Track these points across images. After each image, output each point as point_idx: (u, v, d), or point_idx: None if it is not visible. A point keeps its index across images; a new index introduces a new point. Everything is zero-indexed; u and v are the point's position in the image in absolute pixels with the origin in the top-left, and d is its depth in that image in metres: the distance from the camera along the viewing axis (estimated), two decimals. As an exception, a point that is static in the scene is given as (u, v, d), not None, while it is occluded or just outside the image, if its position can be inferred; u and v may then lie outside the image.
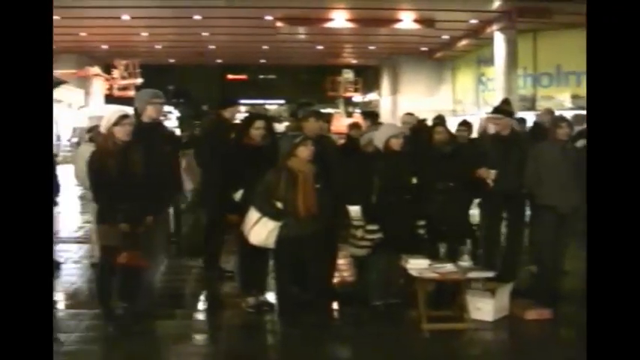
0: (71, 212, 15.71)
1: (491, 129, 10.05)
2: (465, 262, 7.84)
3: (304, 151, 7.53)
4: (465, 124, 11.34)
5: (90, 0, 25.91)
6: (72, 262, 11.21)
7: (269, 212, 7.53)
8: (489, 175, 8.88)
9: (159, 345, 7.56)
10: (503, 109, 9.69)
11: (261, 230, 7.58)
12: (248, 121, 8.54)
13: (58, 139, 26.47)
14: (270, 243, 7.59)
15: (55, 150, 11.48)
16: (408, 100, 39.69)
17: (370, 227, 8.01)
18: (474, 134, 12.15)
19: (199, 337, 7.80)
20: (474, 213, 9.83)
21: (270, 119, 9.05)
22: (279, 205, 7.48)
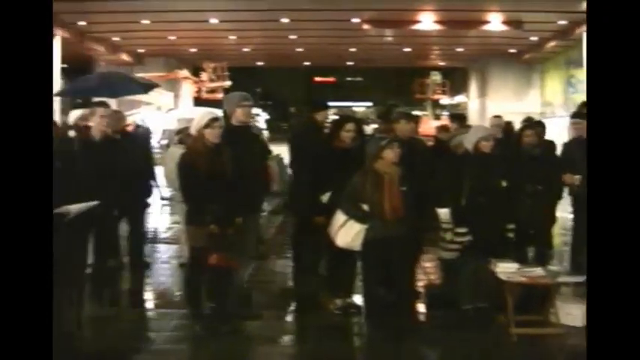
0: (162, 213, 15.92)
1: (573, 133, 9.87)
2: (554, 266, 7.73)
3: (390, 154, 7.49)
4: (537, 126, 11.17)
5: (179, 4, 26.25)
6: (161, 263, 11.35)
7: (355, 215, 7.51)
8: (574, 180, 8.76)
9: (246, 345, 7.60)
10: (583, 112, 9.51)
11: (347, 232, 7.57)
12: (338, 124, 8.54)
13: (148, 140, 26.74)
14: (357, 245, 7.57)
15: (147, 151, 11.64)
16: (496, 102, 39.27)
17: (459, 230, 7.93)
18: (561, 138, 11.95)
19: (286, 339, 7.83)
20: (564, 216, 9.68)
21: (359, 122, 9.03)
22: (366, 207, 7.46)
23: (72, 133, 8.80)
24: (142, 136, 17.01)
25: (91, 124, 8.62)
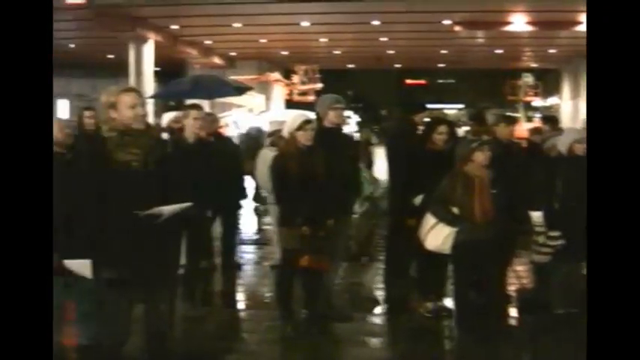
0: (253, 214, 16.05)
1: None
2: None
3: (481, 156, 7.42)
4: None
5: (271, 7, 26.44)
6: (252, 264, 11.45)
7: (445, 217, 7.46)
8: None
9: (336, 347, 7.62)
10: None
11: (437, 235, 7.53)
12: (431, 126, 8.51)
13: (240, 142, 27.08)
14: (446, 249, 7.52)
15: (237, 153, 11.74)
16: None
17: (552, 233, 7.81)
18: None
19: (376, 341, 7.80)
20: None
21: (451, 124, 8.98)
22: (455, 210, 7.41)
23: (165, 136, 8.93)
24: (251, 136, 17.21)
25: (184, 126, 8.74)
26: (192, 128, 8.45)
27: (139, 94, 5.59)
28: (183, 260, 8.24)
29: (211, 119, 10.20)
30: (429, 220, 7.57)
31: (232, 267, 10.70)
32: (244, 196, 10.81)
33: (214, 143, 9.48)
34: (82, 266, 5.35)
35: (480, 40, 35.71)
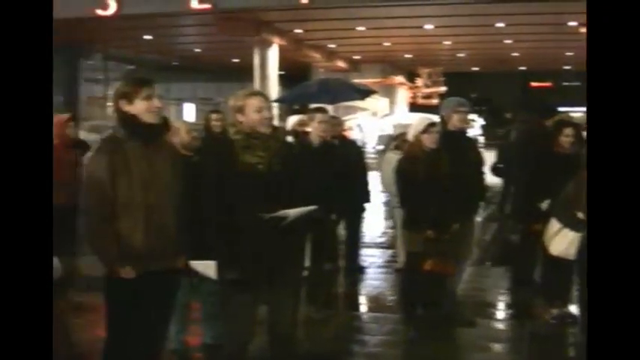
0: (377, 218, 16.06)
1: None
2: None
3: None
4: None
5: (394, 10, 26.44)
6: (376, 267, 11.44)
7: (569, 223, 7.29)
8: None
9: (458, 352, 7.56)
10: None
11: (561, 241, 7.37)
12: (558, 129, 8.36)
13: (364, 146, 27.19)
14: (571, 254, 7.33)
15: (362, 157, 11.76)
16: None
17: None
18: None
19: (499, 347, 7.69)
20: None
21: (579, 126, 8.79)
22: (581, 215, 7.23)
23: (290, 139, 9.02)
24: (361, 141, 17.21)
25: (309, 129, 8.80)
26: (317, 131, 8.50)
27: (265, 98, 5.66)
28: (307, 262, 8.30)
29: (336, 122, 10.25)
30: (554, 224, 7.43)
31: (356, 270, 10.72)
32: (368, 199, 10.82)
33: (339, 146, 9.52)
34: (207, 267, 5.43)
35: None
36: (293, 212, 5.28)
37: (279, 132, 6.34)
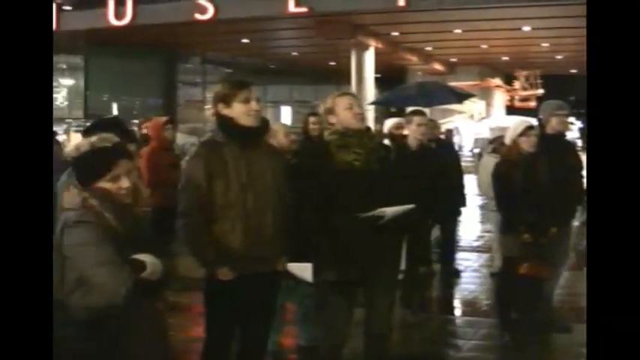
0: (472, 221, 15.96)
1: None
2: None
3: None
4: None
5: (491, 13, 26.22)
6: (471, 271, 11.38)
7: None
8: None
9: (553, 357, 7.45)
10: None
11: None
12: None
13: (460, 149, 27.04)
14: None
15: (458, 160, 11.69)
16: None
17: None
18: None
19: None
20: None
21: None
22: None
23: (386, 141, 9.02)
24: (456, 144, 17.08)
25: (406, 132, 8.79)
26: (415, 134, 8.49)
27: (353, 97, 5.71)
28: (402, 265, 8.31)
29: (432, 125, 10.23)
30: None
31: (451, 273, 10.68)
32: (464, 202, 10.77)
33: (435, 149, 9.49)
34: (303, 270, 5.46)
35: None
36: (390, 211, 5.27)
37: (373, 131, 6.36)
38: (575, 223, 9.00)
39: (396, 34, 31.29)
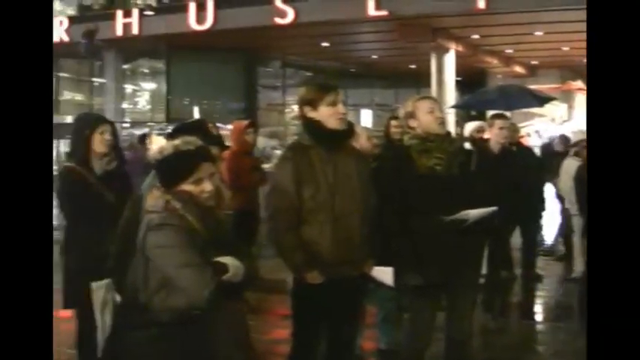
0: (552, 226, 15.77)
1: None
2: None
3: None
4: None
5: (571, 14, 25.87)
6: (552, 276, 11.26)
7: None
8: None
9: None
10: None
11: None
12: None
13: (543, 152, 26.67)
14: None
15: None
16: None
17: None
18: None
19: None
20: None
21: None
22: None
23: (468, 145, 9.00)
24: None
25: (487, 135, 8.76)
26: (497, 137, 8.46)
27: (434, 100, 5.69)
28: (484, 269, 8.28)
29: (513, 129, 10.16)
30: None
31: (532, 278, 10.58)
32: (544, 207, 10.67)
33: (516, 152, 9.43)
34: (384, 274, 5.46)
35: None
36: (474, 213, 5.25)
37: (453, 135, 6.34)
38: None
39: (476, 36, 31.04)
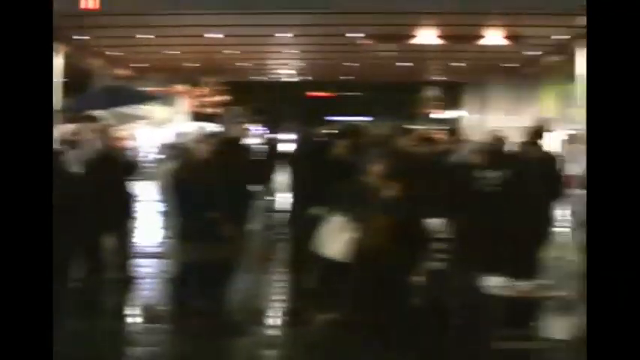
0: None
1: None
2: None
3: None
4: None
5: (186, 19, 26.23)
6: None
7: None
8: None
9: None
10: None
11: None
12: None
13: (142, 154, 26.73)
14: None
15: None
16: (495, 116, 39.19)
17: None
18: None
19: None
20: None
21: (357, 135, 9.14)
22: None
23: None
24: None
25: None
26: (90, 139, 8.38)
27: None
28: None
29: (107, 130, 10.08)
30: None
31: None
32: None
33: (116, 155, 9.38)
34: None
35: (387, 54, 35.85)
36: None
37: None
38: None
39: (85, 37, 30.55)
